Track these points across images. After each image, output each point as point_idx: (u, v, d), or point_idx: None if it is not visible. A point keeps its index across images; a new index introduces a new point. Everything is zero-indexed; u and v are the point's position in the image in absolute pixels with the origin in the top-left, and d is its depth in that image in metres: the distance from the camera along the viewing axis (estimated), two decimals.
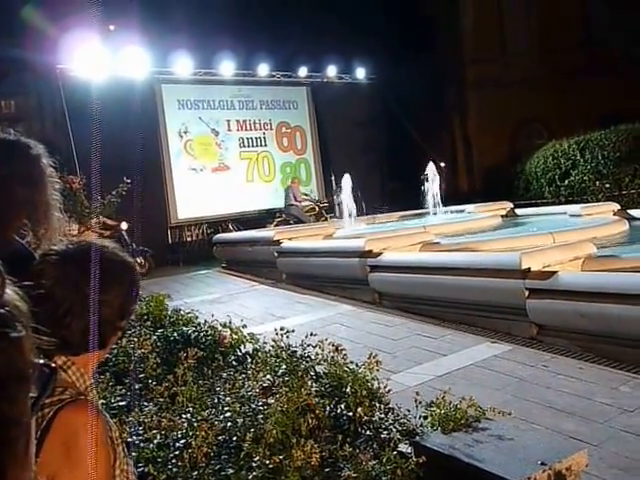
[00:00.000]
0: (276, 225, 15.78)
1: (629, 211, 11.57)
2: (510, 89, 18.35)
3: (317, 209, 17.31)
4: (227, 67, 17.09)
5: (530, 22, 19.87)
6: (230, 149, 17.86)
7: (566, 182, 16.13)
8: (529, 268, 6.38)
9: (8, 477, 0.63)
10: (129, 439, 3.12)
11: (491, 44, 19.81)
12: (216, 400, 3.81)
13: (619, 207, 11.74)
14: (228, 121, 17.88)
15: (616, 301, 5.34)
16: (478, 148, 20.06)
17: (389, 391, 3.80)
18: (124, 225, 13.50)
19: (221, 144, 17.70)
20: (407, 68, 17.74)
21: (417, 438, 3.36)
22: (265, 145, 18.63)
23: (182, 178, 16.85)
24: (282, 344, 4.42)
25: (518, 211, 13.77)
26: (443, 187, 14.38)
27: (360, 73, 19.85)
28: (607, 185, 15.06)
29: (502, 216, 13.26)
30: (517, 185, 17.59)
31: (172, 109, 16.93)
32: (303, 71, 18.61)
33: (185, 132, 17.04)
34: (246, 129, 18.26)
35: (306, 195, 17.60)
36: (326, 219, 16.55)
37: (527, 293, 6.28)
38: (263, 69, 17.79)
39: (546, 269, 6.40)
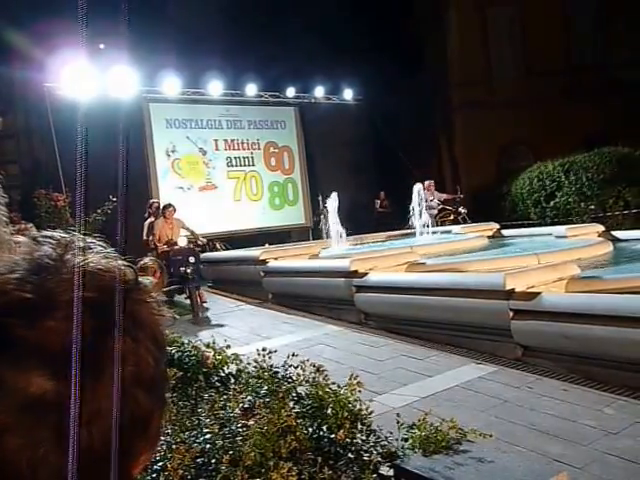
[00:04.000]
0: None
1: (613, 232, 11.62)
2: (496, 111, 18.45)
3: (453, 216, 16.14)
4: (215, 87, 17.14)
5: (515, 45, 20.07)
6: (218, 168, 17.83)
7: (551, 203, 16.23)
8: (513, 289, 6.38)
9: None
10: None
11: (477, 67, 19.96)
12: (196, 421, 3.76)
13: (603, 228, 11.78)
14: (216, 140, 17.87)
15: (600, 322, 5.33)
16: (465, 169, 20.12)
17: (371, 413, 3.76)
18: (182, 241, 11.01)
19: (209, 163, 17.67)
20: (394, 89, 17.84)
21: (398, 461, 3.33)
22: (253, 165, 18.61)
23: (169, 197, 16.73)
24: (264, 365, 4.38)
25: (504, 232, 13.74)
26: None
27: (348, 94, 19.94)
28: (591, 207, 15.15)
29: (488, 237, 13.24)
30: (504, 206, 17.64)
31: (160, 128, 16.91)
32: (291, 91, 18.67)
33: (173, 151, 17.01)
34: (234, 148, 18.26)
35: (440, 199, 16.22)
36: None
37: (511, 314, 6.26)
38: (251, 89, 17.84)
39: (530, 290, 6.40)
